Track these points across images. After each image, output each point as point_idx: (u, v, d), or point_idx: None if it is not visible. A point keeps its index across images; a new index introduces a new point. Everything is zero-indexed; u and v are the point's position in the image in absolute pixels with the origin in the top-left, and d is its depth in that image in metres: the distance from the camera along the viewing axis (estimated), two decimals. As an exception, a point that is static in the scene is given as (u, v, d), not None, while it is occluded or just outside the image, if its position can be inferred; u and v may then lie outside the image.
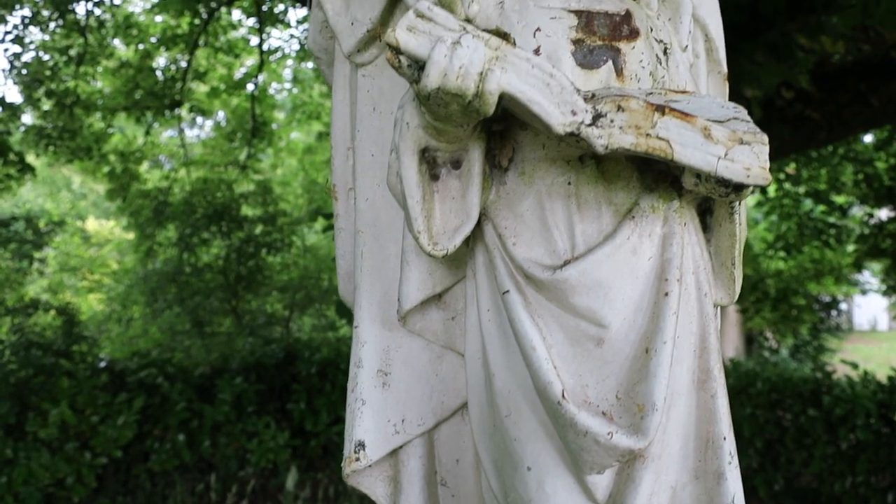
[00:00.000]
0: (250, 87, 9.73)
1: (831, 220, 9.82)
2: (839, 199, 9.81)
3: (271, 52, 9.57)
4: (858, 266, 10.49)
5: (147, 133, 9.43)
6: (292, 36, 9.96)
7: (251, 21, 9.24)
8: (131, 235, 11.00)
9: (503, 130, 1.25)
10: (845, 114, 5.16)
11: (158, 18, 9.19)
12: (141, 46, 8.79)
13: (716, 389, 1.26)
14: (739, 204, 1.29)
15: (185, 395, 6.99)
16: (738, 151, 1.13)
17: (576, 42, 1.31)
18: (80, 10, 7.98)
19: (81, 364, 7.09)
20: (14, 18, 7.89)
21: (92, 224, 13.60)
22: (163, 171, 10.81)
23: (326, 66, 1.79)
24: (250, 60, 10.54)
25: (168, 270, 9.72)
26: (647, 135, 1.13)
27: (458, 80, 1.11)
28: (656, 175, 1.26)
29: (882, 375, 7.41)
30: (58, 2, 7.77)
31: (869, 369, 7.40)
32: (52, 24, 8.04)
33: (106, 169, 9.37)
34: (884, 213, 9.82)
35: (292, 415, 7.30)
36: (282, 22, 8.96)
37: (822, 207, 9.73)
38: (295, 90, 11.10)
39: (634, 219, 1.24)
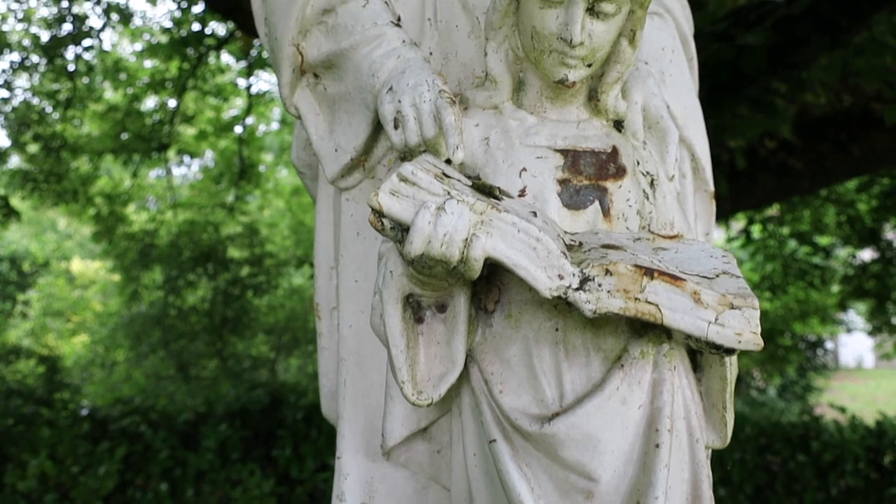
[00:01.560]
0: (238, 129, 9.77)
1: (815, 260, 9.90)
2: (823, 241, 9.90)
3: (260, 95, 9.63)
4: (843, 306, 10.56)
5: (134, 176, 9.42)
6: (280, 79, 10.02)
7: (240, 64, 9.32)
8: (117, 277, 10.92)
9: (489, 274, 1.23)
10: (827, 163, 5.23)
11: (148, 63, 9.24)
12: (129, 90, 8.83)
13: None
14: None
15: (169, 443, 6.88)
16: (729, 316, 1.12)
17: (562, 182, 1.30)
18: (69, 54, 8.02)
19: (63, 412, 6.98)
20: (2, 63, 7.92)
21: (77, 265, 13.49)
22: (150, 213, 10.78)
23: (310, 181, 1.79)
24: (238, 101, 10.60)
25: (153, 313, 9.63)
26: (636, 299, 1.12)
27: (442, 247, 1.10)
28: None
29: (869, 416, 7.43)
30: (47, 47, 7.82)
31: (856, 408, 7.41)
32: (41, 69, 8.07)
33: (92, 211, 9.32)
34: (867, 254, 9.92)
35: (277, 462, 7.19)
36: (270, 66, 9.03)
37: (805, 248, 9.81)
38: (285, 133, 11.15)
39: (623, 367, 1.21)
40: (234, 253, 10.01)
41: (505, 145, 1.32)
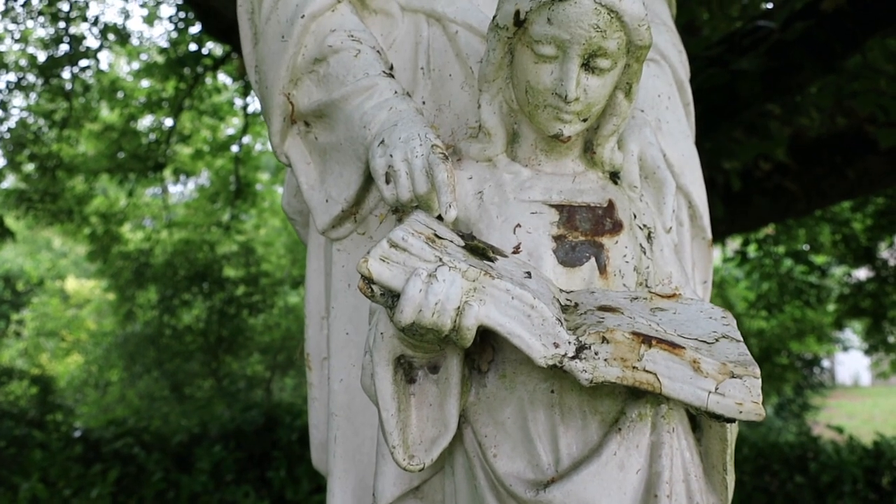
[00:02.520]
0: (234, 148, 9.77)
1: (811, 279, 9.90)
2: (818, 259, 9.90)
3: (256, 114, 9.65)
4: (839, 325, 10.55)
5: (130, 195, 9.41)
6: (277, 98, 10.03)
7: (237, 83, 9.34)
8: (111, 296, 10.88)
9: (483, 334, 1.18)
10: (822, 185, 5.24)
11: (144, 83, 9.27)
12: (125, 110, 8.84)
13: None
14: None
15: (162, 465, 6.82)
16: (730, 385, 1.08)
17: (557, 238, 1.27)
18: (66, 73, 8.04)
19: (55, 434, 6.93)
20: (-1, 83, 7.93)
21: (72, 283, 13.43)
22: (145, 231, 10.76)
23: (301, 227, 1.77)
24: (234, 120, 10.62)
25: (148, 333, 9.59)
26: (634, 367, 1.09)
27: (434, 315, 1.07)
28: None
29: (867, 435, 7.41)
30: (43, 67, 7.83)
31: (853, 426, 7.39)
32: (37, 88, 8.09)
33: (87, 230, 9.30)
34: (862, 273, 9.92)
35: (272, 483, 7.13)
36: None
37: (801, 267, 9.81)
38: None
39: (621, 431, 1.19)
40: (229, 272, 9.99)
41: (499, 200, 1.30)
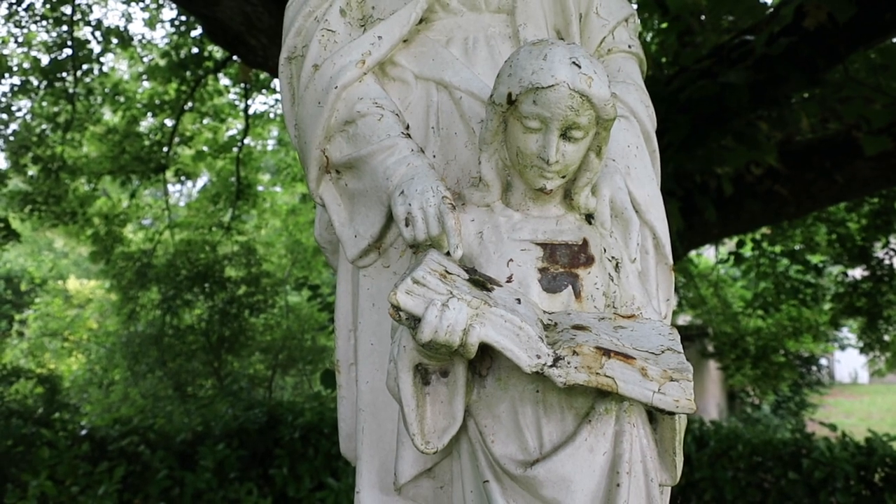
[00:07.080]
0: (236, 150, 9.88)
1: (807, 278, 10.00)
2: (814, 259, 10.00)
3: (257, 116, 9.75)
4: (835, 324, 10.65)
5: (132, 196, 9.52)
6: (278, 101, 10.16)
7: (238, 86, 9.43)
8: (113, 296, 10.99)
9: (482, 347, 1.46)
10: (812, 190, 5.34)
11: (146, 84, 9.37)
12: (128, 112, 8.94)
13: None
14: None
15: (167, 463, 6.93)
16: (669, 387, 1.39)
17: (542, 270, 1.59)
18: (69, 77, 8.14)
19: (62, 433, 7.04)
20: (3, 87, 8.04)
21: (73, 284, 13.53)
22: (147, 231, 10.86)
23: (331, 255, 2.10)
24: (236, 122, 10.71)
25: (150, 333, 9.70)
26: (597, 373, 1.39)
27: (446, 335, 1.39)
28: None
29: (861, 433, 7.50)
30: (47, 70, 7.94)
31: (850, 424, 7.47)
32: (41, 92, 8.19)
33: (90, 231, 9.41)
34: (857, 272, 10.01)
35: (275, 481, 7.24)
36: (268, 88, 9.16)
37: (797, 267, 9.90)
38: (281, 154, 11.24)
39: (591, 422, 1.49)
40: (230, 272, 10.10)
41: (495, 239, 1.62)
